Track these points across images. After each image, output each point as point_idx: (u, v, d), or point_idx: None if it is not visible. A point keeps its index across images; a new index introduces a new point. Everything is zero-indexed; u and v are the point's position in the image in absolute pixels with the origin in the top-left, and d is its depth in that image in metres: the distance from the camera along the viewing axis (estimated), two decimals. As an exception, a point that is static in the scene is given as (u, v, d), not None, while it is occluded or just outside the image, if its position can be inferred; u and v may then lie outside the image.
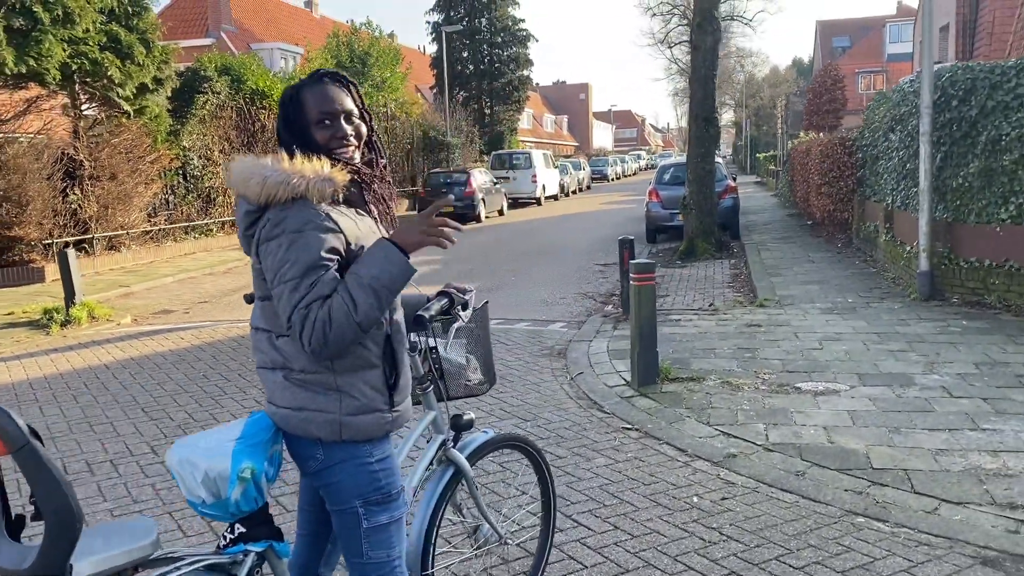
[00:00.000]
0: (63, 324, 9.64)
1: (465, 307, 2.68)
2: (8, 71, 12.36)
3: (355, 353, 2.06)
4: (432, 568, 2.61)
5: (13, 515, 1.74)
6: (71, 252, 10.13)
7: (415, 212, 25.88)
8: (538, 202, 30.44)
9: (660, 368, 6.13)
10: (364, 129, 2.19)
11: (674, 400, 5.66)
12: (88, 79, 14.22)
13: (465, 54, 42.96)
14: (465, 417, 2.74)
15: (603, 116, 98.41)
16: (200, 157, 18.44)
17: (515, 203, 29.67)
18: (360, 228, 2.08)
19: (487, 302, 3.02)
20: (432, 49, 44.39)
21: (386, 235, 2.09)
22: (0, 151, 13.23)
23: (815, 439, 4.78)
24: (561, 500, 4.09)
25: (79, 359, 8.02)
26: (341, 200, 2.07)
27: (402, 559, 2.23)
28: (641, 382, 6.00)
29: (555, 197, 33.21)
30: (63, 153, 14.33)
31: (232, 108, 19.57)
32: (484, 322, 2.94)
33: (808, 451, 4.61)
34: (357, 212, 2.12)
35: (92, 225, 14.91)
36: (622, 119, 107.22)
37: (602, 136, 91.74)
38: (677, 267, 12.65)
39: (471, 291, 2.73)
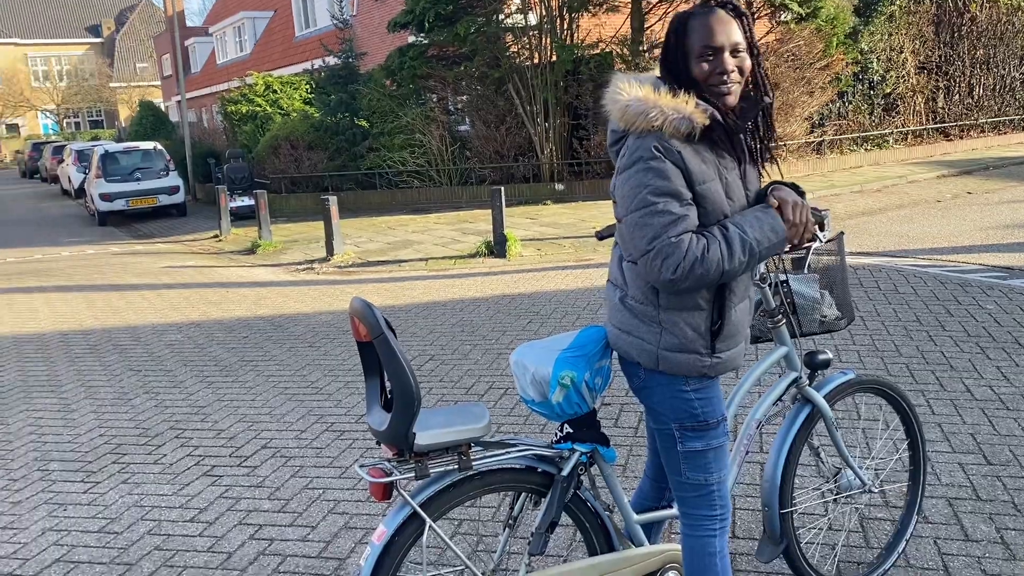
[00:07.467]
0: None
1: (822, 228, 2.44)
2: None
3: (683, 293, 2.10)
4: (792, 506, 2.63)
5: (389, 392, 2.11)
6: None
7: None
8: None
9: None
10: (748, 63, 2.06)
11: None
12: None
13: None
14: (821, 356, 2.61)
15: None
16: (883, 60, 16.72)
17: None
18: (711, 170, 2.04)
19: (843, 232, 2.66)
20: None
21: (756, 181, 2.17)
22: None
23: None
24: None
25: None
26: (697, 139, 2.03)
27: (723, 485, 2.25)
28: None
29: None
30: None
31: (932, 0, 17.09)
32: (840, 253, 2.67)
33: None
34: (718, 154, 2.07)
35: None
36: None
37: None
38: None
39: (826, 211, 2.43)
